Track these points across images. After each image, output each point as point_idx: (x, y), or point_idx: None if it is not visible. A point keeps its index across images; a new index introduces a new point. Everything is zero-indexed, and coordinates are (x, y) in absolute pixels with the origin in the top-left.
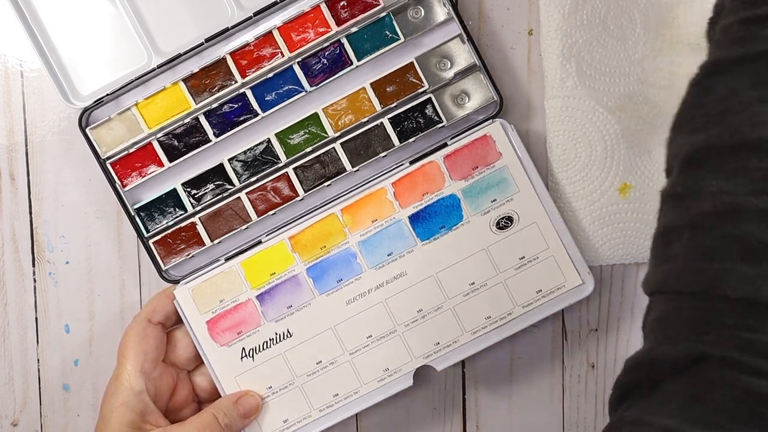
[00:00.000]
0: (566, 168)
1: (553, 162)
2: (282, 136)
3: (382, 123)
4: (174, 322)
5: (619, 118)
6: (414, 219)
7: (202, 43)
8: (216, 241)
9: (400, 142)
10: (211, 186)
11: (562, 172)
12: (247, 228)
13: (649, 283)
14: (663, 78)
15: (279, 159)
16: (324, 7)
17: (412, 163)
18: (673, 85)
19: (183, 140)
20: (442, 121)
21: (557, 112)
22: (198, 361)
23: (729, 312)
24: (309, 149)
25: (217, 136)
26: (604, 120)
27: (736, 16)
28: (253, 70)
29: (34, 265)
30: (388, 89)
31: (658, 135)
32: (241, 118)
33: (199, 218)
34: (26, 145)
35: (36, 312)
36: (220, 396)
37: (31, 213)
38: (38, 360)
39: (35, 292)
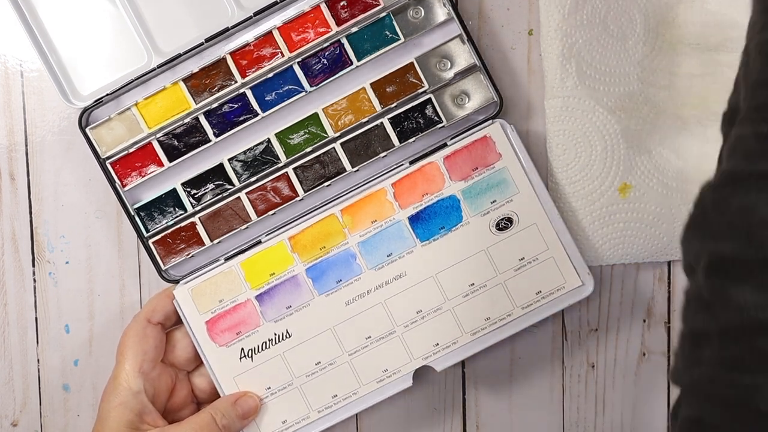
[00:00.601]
0: (566, 168)
1: (553, 162)
2: (282, 136)
3: (382, 123)
4: (174, 322)
5: (619, 118)
6: (414, 220)
7: (202, 43)
8: (216, 241)
9: (400, 143)
10: (210, 186)
11: (562, 172)
12: (246, 228)
13: (680, 379)
14: (663, 78)
15: (279, 159)
16: (324, 7)
17: (411, 163)
18: (673, 85)
19: (183, 140)
20: (442, 122)
21: (557, 112)
22: (197, 362)
23: (759, 424)
24: (309, 149)
25: (217, 136)
26: (604, 120)
27: (751, 128)
28: (253, 70)
29: (34, 265)
30: (388, 89)
31: (658, 135)
32: (241, 118)
33: (199, 218)
34: (26, 145)
35: (36, 312)
36: (219, 397)
37: (31, 213)
38: (38, 360)
39: (35, 292)
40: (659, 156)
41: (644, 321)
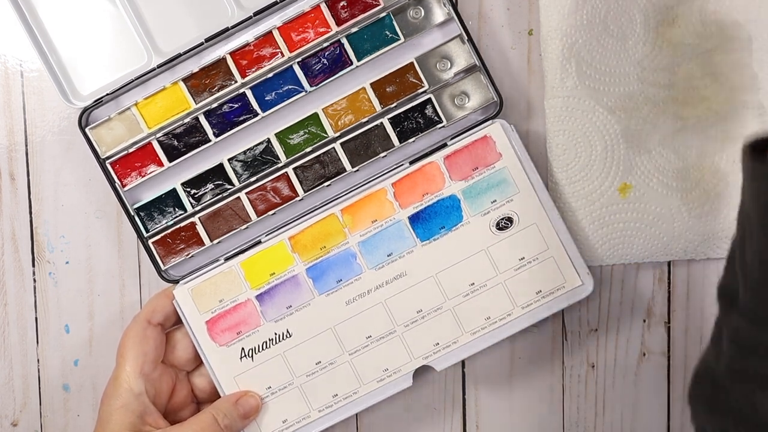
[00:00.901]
0: (566, 168)
1: (553, 162)
2: (282, 136)
3: (381, 123)
4: (173, 322)
5: (619, 118)
6: (414, 219)
7: (202, 43)
8: (215, 241)
9: (400, 143)
10: (210, 186)
11: (562, 172)
12: (246, 228)
13: None
14: (663, 78)
15: (279, 159)
16: (324, 7)
17: (412, 163)
18: (673, 85)
19: (183, 140)
20: (442, 122)
21: (557, 112)
22: (197, 362)
23: None
24: (309, 149)
25: (216, 135)
26: (604, 120)
27: (757, 330)
28: (253, 70)
29: (34, 265)
30: (388, 89)
31: (658, 135)
32: (241, 118)
33: (199, 218)
34: (26, 145)
35: (36, 312)
36: (219, 397)
37: (31, 213)
38: (38, 360)
39: (35, 292)
40: (659, 156)
41: (644, 321)
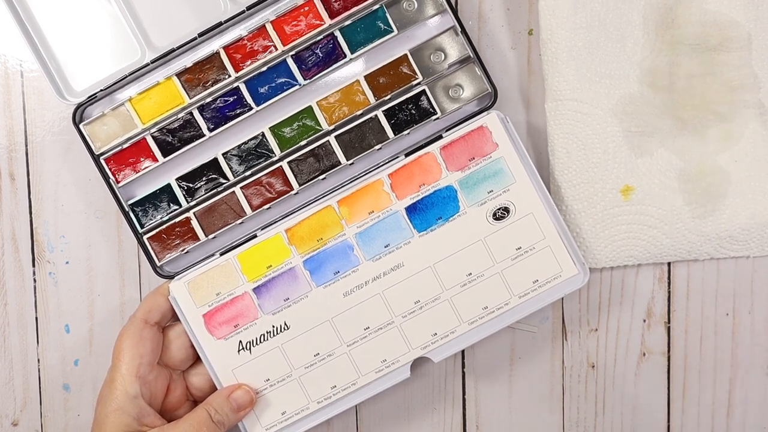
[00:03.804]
0: (568, 171)
1: (555, 165)
2: (276, 129)
3: (376, 115)
4: (170, 319)
5: (620, 119)
6: (411, 210)
7: (195, 38)
8: (211, 236)
9: (395, 135)
10: (205, 181)
11: (564, 174)
12: (241, 223)
13: None
14: (663, 79)
15: (273, 153)
16: (317, 0)
17: (408, 154)
18: (673, 86)
19: (177, 135)
20: (436, 113)
21: (558, 115)
22: (191, 361)
23: None
24: (303, 142)
25: (211, 130)
26: (605, 122)
27: None
28: (247, 63)
29: (34, 265)
30: (382, 81)
31: (658, 136)
32: (235, 112)
33: (194, 213)
34: (26, 145)
35: (36, 312)
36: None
37: (31, 213)
38: (38, 360)
39: (35, 292)
40: (660, 157)
41: (644, 321)
